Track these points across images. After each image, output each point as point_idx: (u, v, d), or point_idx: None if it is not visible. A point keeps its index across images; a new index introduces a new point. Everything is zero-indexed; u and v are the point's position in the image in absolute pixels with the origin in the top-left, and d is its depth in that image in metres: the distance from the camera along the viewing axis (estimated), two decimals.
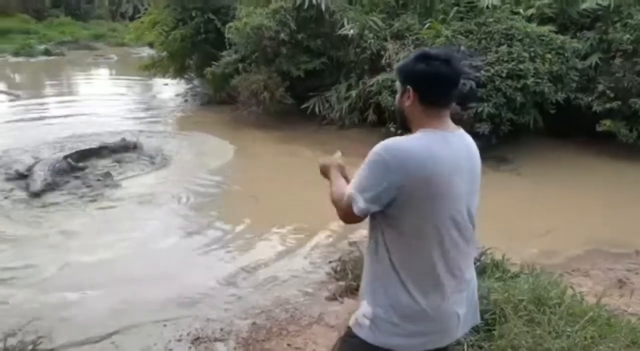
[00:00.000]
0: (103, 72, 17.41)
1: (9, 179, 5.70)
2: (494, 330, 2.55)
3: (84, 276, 3.89)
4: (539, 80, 6.55)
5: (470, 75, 6.47)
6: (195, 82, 11.80)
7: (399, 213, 1.53)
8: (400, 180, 1.48)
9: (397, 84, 1.69)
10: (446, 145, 1.54)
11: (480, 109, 6.43)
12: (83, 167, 6.14)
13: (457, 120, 5.77)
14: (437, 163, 1.50)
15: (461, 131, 1.65)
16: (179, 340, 3.10)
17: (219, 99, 10.47)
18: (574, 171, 6.59)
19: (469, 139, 1.66)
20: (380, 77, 7.63)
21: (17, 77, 15.50)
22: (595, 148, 7.06)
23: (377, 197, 1.51)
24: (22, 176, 5.59)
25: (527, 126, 6.94)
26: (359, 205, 1.53)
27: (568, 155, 7.12)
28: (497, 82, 6.51)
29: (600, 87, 6.81)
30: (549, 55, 6.74)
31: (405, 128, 1.67)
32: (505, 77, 6.52)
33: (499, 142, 6.72)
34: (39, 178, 5.04)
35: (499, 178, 6.17)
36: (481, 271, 3.22)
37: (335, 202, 1.66)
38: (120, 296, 3.57)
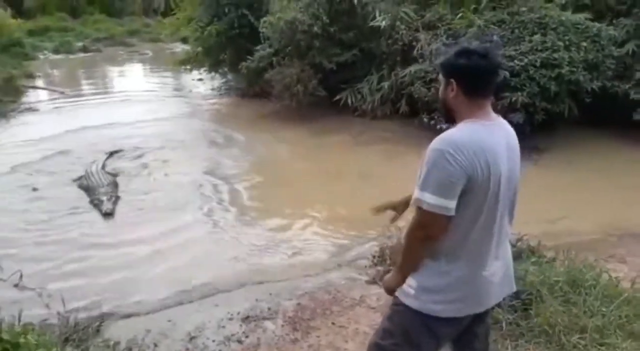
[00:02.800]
0: (140, 68, 17.89)
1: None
2: (531, 309, 2.68)
3: (141, 261, 4.19)
4: (574, 69, 6.52)
5: (503, 65, 6.51)
6: (229, 76, 12.09)
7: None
8: (467, 168, 1.60)
9: (440, 78, 1.81)
10: (489, 134, 1.68)
11: (514, 99, 6.46)
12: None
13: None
14: (485, 151, 1.63)
15: (500, 120, 1.78)
16: (230, 319, 3.33)
17: (252, 93, 10.71)
18: (609, 159, 6.58)
19: (508, 128, 1.79)
20: (412, 68, 7.72)
21: (61, 74, 16.09)
22: (631, 137, 6.99)
23: (456, 191, 1.61)
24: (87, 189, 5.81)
25: (561, 115, 6.92)
26: (450, 207, 1.61)
27: (602, 144, 7.09)
28: (531, 72, 6.52)
29: (638, 75, 6.74)
30: (584, 44, 6.68)
31: (448, 118, 1.81)
32: (540, 66, 6.51)
33: (533, 132, 6.73)
34: (106, 198, 5.39)
35: (533, 167, 6.24)
36: (517, 256, 3.34)
37: (414, 235, 1.73)
38: (174, 278, 3.86)
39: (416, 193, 1.66)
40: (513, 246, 3.52)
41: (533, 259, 3.32)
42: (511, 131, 1.80)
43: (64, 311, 3.25)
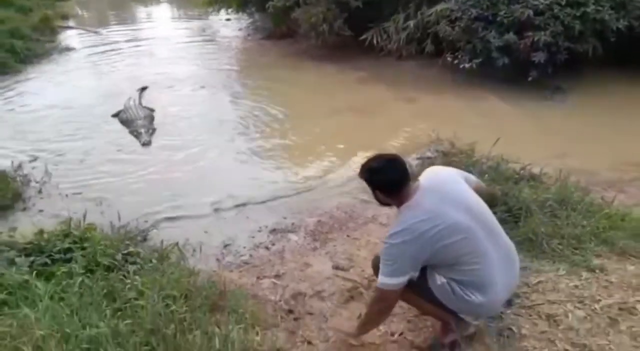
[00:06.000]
0: (166, 8, 17.98)
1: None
2: (520, 222, 3.04)
3: (178, 180, 4.78)
4: (600, 8, 6.47)
5: (528, 2, 6.54)
6: (257, 16, 12.17)
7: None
8: (424, 243, 2.10)
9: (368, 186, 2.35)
10: (427, 200, 2.16)
11: (536, 38, 6.50)
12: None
13: (515, 50, 6.06)
14: (436, 214, 2.10)
15: (422, 183, 2.26)
16: (259, 231, 3.84)
17: (279, 33, 10.84)
18: (631, 100, 6.60)
19: (439, 176, 2.33)
20: (438, 7, 7.73)
21: (93, 14, 16.38)
22: None
23: (406, 266, 2.14)
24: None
25: (585, 55, 6.93)
26: (400, 282, 2.15)
27: (626, 84, 7.03)
28: (555, 10, 6.49)
29: None
30: None
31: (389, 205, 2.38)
32: (565, 4, 6.49)
33: (555, 72, 6.80)
34: (144, 130, 5.93)
35: (552, 107, 6.44)
36: (517, 182, 3.67)
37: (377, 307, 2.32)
38: (215, 196, 4.41)
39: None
40: (517, 174, 3.85)
41: (532, 183, 3.64)
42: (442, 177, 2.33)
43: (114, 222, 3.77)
